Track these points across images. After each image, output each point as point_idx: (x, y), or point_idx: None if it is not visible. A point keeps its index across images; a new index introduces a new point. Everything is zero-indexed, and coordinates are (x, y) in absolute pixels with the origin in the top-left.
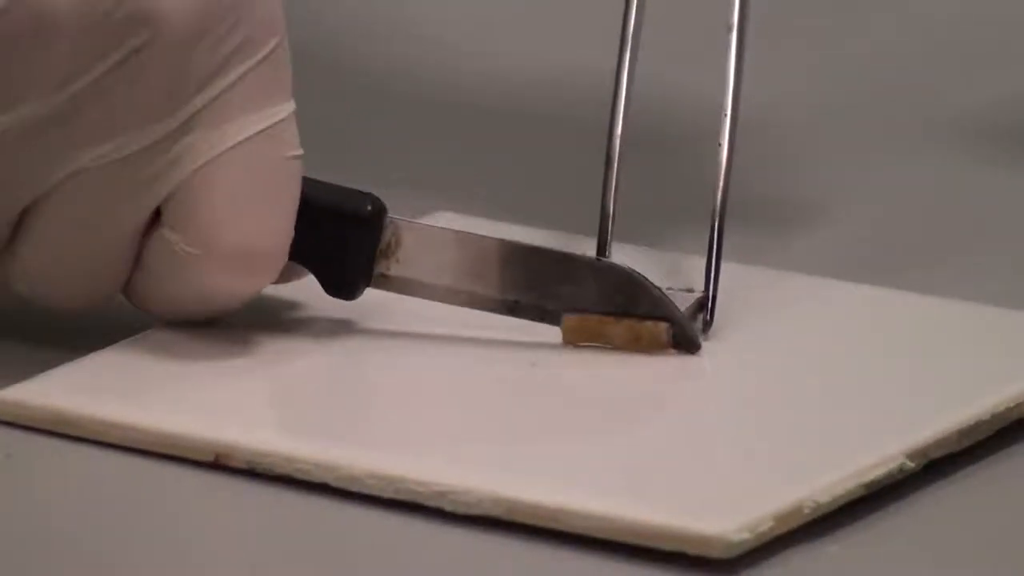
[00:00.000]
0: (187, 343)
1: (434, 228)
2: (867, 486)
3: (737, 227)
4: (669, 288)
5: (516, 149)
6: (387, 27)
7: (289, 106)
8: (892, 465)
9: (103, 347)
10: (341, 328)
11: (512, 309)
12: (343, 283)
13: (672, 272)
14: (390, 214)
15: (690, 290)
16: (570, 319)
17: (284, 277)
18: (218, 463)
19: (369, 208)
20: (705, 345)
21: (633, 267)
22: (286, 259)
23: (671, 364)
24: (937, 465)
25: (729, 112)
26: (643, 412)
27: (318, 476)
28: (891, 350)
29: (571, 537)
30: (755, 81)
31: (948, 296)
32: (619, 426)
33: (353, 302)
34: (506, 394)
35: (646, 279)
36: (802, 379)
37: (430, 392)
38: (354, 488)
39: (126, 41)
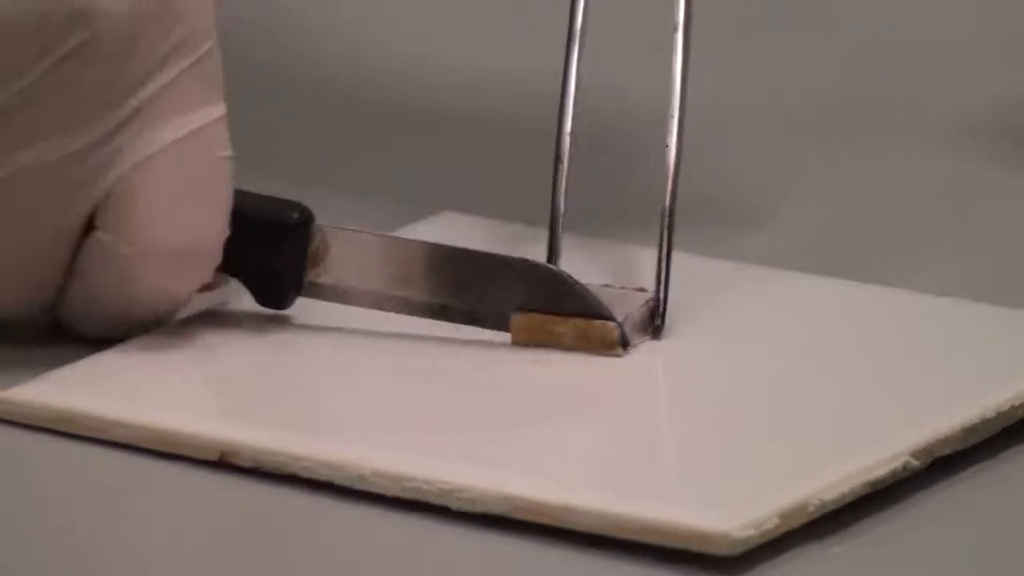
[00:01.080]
0: (192, 342)
1: (361, 233)
2: (872, 484)
3: (696, 224)
4: (622, 288)
5: (473, 149)
6: (327, 29)
7: (220, 108)
8: (897, 463)
9: (107, 347)
10: (348, 329)
11: (440, 313)
12: (274, 293)
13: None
14: (317, 221)
15: (642, 289)
16: (518, 318)
17: (213, 284)
18: (223, 461)
19: (296, 216)
20: (699, 340)
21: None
22: (220, 258)
23: (670, 360)
24: (941, 464)
25: (676, 112)
26: (646, 409)
27: (324, 475)
28: (892, 348)
29: (576, 535)
30: (727, 78)
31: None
32: (623, 423)
33: (348, 314)
34: (508, 393)
35: (574, 280)
36: (803, 376)
37: (434, 391)
38: (360, 487)
39: (67, 40)
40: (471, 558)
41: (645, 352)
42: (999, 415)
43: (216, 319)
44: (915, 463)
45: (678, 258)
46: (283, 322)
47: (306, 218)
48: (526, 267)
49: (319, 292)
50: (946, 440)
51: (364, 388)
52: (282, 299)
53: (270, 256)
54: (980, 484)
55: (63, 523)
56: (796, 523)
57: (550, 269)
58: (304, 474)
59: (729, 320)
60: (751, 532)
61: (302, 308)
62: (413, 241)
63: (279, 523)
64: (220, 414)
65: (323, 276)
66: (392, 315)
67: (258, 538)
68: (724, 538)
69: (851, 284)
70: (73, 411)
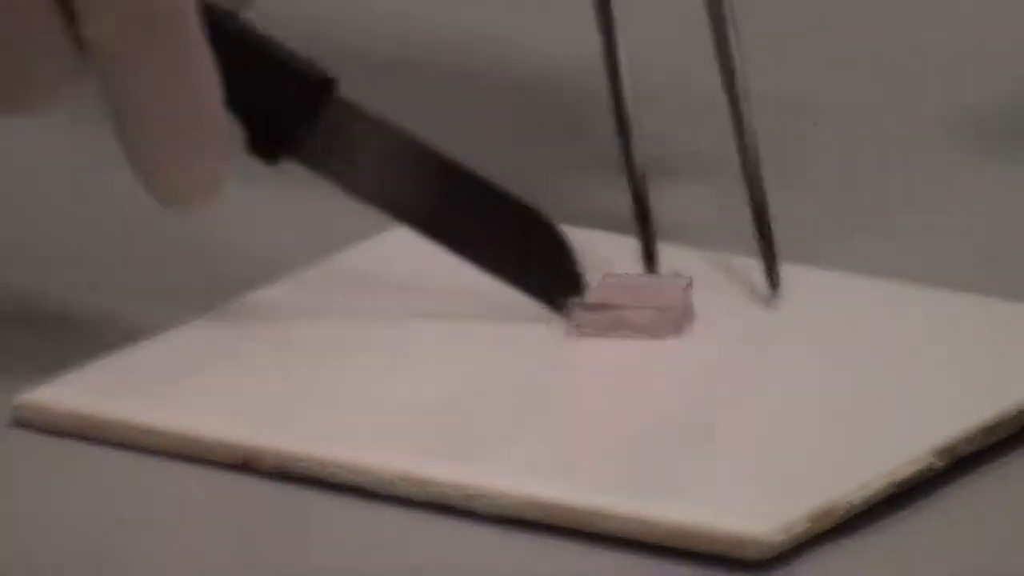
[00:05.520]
0: (213, 342)
1: (382, 122)
2: (897, 485)
3: (700, 218)
4: (659, 274)
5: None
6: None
7: None
8: (921, 464)
9: (123, 345)
10: (370, 330)
11: (423, 224)
12: (265, 143)
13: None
14: (342, 93)
15: (678, 275)
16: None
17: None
18: (246, 466)
19: (319, 76)
20: (723, 342)
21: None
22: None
23: (695, 363)
24: (961, 462)
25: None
26: (673, 412)
27: (350, 479)
28: (910, 345)
29: (605, 538)
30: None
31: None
32: (649, 427)
33: (377, 309)
34: (533, 395)
35: (558, 228)
36: (824, 377)
37: (459, 394)
38: (386, 491)
39: None
40: (499, 562)
41: (671, 354)
42: (1020, 412)
43: (236, 319)
44: (939, 463)
45: (704, 257)
46: (306, 322)
47: (329, 80)
48: (520, 207)
49: (308, 159)
50: (969, 440)
51: (389, 390)
52: (273, 153)
53: (279, 106)
54: (1000, 480)
55: (84, 528)
56: (825, 526)
57: (542, 216)
58: (329, 479)
59: (752, 320)
60: (782, 537)
61: (332, 313)
62: (427, 147)
63: (303, 528)
64: (243, 417)
65: (319, 146)
66: (418, 313)
67: (280, 543)
68: (755, 543)
69: (865, 280)
70: (94, 416)
